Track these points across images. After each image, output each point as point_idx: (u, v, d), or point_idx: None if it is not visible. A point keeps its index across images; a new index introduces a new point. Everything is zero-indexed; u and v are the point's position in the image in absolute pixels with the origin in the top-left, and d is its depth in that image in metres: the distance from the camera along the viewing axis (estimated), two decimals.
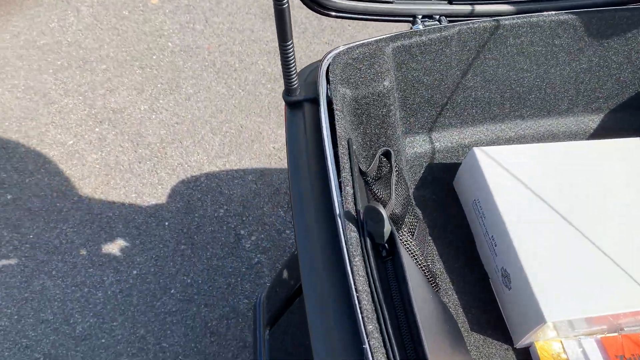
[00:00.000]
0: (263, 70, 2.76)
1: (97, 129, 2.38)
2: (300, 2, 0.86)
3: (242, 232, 2.26)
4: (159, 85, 2.58)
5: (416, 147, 1.04)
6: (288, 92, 0.82)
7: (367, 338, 0.60)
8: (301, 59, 2.83)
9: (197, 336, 1.96)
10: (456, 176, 1.02)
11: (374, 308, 0.62)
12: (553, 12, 0.94)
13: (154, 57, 2.69)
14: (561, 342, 0.87)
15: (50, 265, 2.02)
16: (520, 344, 0.88)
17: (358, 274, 0.63)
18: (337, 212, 0.69)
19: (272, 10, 3.35)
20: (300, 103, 0.82)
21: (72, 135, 2.34)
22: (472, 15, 0.93)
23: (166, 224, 2.20)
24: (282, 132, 2.58)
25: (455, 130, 1.05)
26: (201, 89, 2.62)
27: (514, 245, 0.86)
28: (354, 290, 0.63)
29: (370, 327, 0.60)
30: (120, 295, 1.98)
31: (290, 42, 0.75)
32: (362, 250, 0.66)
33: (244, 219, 2.29)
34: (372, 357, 0.59)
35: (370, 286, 0.63)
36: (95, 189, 2.23)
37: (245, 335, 2.01)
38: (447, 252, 0.95)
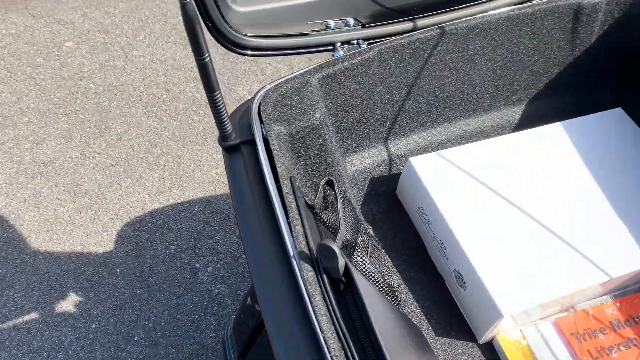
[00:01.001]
0: (192, 98, 2.73)
1: (29, 185, 2.29)
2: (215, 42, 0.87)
3: (197, 265, 2.23)
4: (87, 130, 2.51)
5: (356, 165, 1.06)
6: (223, 138, 0.82)
7: None
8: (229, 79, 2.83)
9: None
10: (398, 186, 1.06)
11: (340, 346, 0.64)
12: (463, 20, 0.99)
13: (78, 101, 2.61)
14: (520, 330, 0.92)
15: (3, 335, 1.93)
16: (484, 339, 0.92)
17: (320, 313, 0.65)
18: (291, 253, 0.70)
19: None
20: (238, 146, 0.83)
21: (4, 196, 2.24)
22: (388, 35, 0.97)
23: (118, 270, 2.14)
24: (221, 157, 2.56)
25: (390, 143, 1.08)
26: (132, 126, 2.56)
27: (461, 246, 0.91)
28: (319, 330, 0.65)
29: (333, 345, 0.62)
30: (83, 353, 1.92)
31: (217, 92, 0.75)
32: (321, 288, 0.67)
33: (197, 251, 2.26)
34: None
35: (334, 324, 0.65)
36: (38, 247, 2.15)
37: None
38: (401, 262, 0.98)
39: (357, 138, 1.03)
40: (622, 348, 0.90)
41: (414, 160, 0.99)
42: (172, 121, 2.63)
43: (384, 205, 1.05)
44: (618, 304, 0.95)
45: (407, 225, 1.03)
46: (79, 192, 2.31)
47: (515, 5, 1.03)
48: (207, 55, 0.71)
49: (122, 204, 2.30)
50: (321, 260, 0.69)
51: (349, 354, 0.63)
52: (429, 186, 0.96)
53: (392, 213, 1.05)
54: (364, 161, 1.07)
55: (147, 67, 2.82)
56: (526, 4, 1.03)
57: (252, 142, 0.81)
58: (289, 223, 0.72)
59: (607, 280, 0.89)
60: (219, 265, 2.25)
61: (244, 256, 2.27)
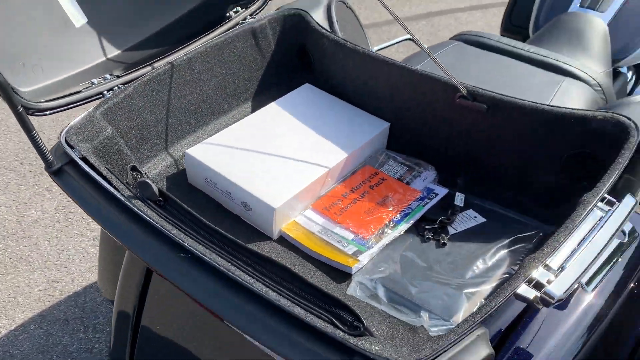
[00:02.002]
0: None
1: None
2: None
3: None
4: None
5: (152, 170, 1.47)
6: (48, 165, 1.16)
7: (184, 242, 1.01)
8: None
9: None
10: (187, 175, 1.49)
11: (172, 225, 1.03)
12: (184, 54, 1.50)
13: None
14: (294, 221, 1.41)
15: None
16: (275, 235, 1.38)
17: (152, 216, 1.04)
18: (123, 199, 1.08)
19: None
20: (61, 169, 1.18)
21: None
22: (137, 78, 1.42)
23: None
24: (37, 275, 2.68)
25: (171, 149, 1.52)
26: None
27: (237, 184, 1.37)
28: (154, 223, 1.03)
29: (175, 232, 1.02)
30: None
31: (34, 131, 1.10)
32: (148, 206, 1.06)
33: None
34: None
35: (165, 219, 1.04)
36: None
37: None
38: (207, 218, 1.40)
39: (145, 151, 1.45)
40: (351, 204, 1.44)
41: (189, 150, 1.44)
42: None
43: (184, 193, 1.47)
44: (344, 184, 1.50)
45: (208, 201, 1.46)
46: None
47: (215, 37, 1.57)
48: (19, 107, 1.07)
49: None
50: (142, 194, 1.08)
51: (182, 231, 1.02)
52: (203, 160, 1.41)
53: (191, 195, 1.47)
54: (157, 166, 1.48)
55: None
56: (221, 35, 1.58)
57: (71, 161, 1.17)
58: (114, 187, 1.10)
59: (328, 170, 1.43)
60: None
61: (96, 346, 2.42)
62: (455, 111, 1.44)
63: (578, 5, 2.41)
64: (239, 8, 1.70)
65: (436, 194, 1.48)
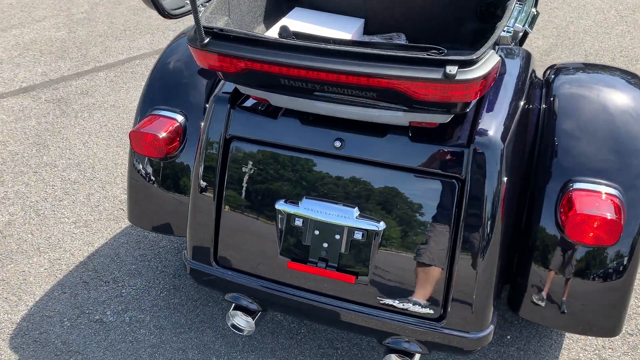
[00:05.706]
0: None
1: None
2: None
3: None
4: None
5: None
6: (201, 40, 1.64)
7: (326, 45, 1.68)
8: None
9: None
10: None
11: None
12: None
13: None
14: None
15: None
16: None
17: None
18: (266, 39, 1.70)
19: None
20: (209, 42, 1.68)
21: None
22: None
23: None
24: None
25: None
26: None
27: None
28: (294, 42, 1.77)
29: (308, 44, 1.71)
30: None
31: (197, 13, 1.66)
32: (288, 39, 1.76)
33: None
34: None
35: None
36: None
37: None
38: None
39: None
40: None
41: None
42: None
43: None
44: None
45: None
46: None
47: None
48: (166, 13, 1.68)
49: None
50: (282, 34, 1.73)
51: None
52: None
53: None
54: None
55: None
56: None
57: (214, 34, 1.72)
58: (252, 36, 1.72)
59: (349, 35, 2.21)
60: None
61: None
62: None
63: None
64: None
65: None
